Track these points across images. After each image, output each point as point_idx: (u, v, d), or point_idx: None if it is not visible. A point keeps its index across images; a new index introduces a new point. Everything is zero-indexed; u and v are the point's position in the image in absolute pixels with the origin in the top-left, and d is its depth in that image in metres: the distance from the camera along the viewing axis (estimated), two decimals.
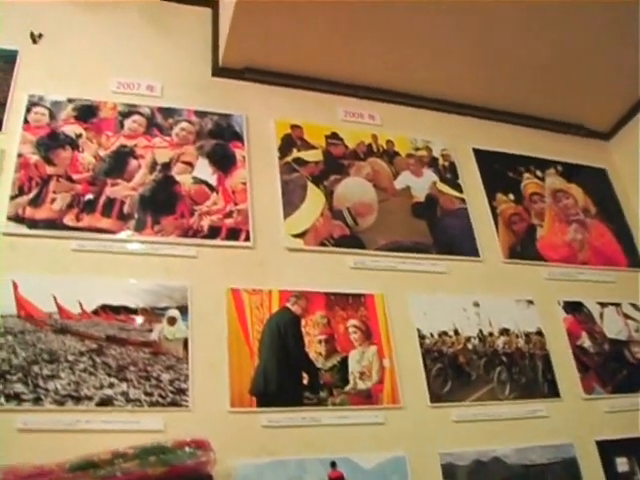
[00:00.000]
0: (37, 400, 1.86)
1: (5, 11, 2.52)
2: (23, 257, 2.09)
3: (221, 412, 2.03)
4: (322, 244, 2.42)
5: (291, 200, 2.46)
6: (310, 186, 2.52)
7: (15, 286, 2.02)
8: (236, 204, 2.37)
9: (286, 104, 2.71)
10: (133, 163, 2.34)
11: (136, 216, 2.24)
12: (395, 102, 2.93)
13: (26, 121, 2.32)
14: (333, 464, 2.04)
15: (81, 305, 2.06)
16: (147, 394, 1.97)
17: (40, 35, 2.52)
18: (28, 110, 2.34)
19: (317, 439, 2.09)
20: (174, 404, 1.98)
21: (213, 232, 2.30)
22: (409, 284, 2.48)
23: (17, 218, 2.13)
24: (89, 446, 1.76)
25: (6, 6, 2.54)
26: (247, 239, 2.32)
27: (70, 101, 2.41)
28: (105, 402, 1.92)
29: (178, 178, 2.37)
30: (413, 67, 2.81)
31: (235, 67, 2.68)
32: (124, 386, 1.97)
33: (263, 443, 2.02)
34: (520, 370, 2.46)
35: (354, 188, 2.61)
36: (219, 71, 2.68)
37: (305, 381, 2.17)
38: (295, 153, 2.59)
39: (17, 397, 1.85)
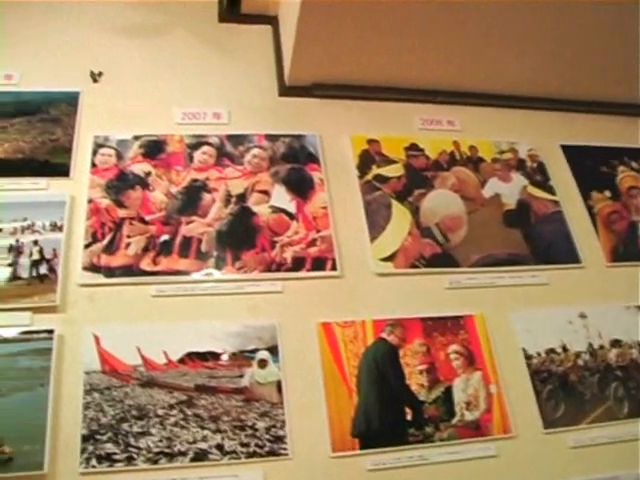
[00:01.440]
0: (130, 460, 1.79)
1: (64, 53, 2.49)
2: (102, 308, 2.01)
3: (323, 458, 1.89)
4: (413, 266, 2.25)
5: (376, 221, 2.30)
6: (394, 204, 2.36)
7: (97, 340, 1.94)
8: (318, 231, 2.22)
9: (360, 118, 2.56)
10: (207, 197, 2.23)
11: (215, 254, 2.13)
12: (474, 104, 2.74)
13: (93, 164, 2.25)
14: None
15: (166, 355, 1.95)
16: (243, 445, 1.86)
17: (100, 73, 2.45)
18: (94, 152, 2.28)
19: (426, 479, 1.92)
20: (273, 453, 1.86)
21: (297, 264, 2.16)
22: (509, 300, 2.29)
23: (93, 267, 2.05)
24: None
25: (64, 48, 2.51)
26: (334, 268, 2.17)
27: (136, 138, 2.32)
28: (200, 457, 1.82)
29: (255, 209, 2.24)
30: (490, 66, 2.61)
31: (303, 84, 2.55)
32: (218, 438, 1.86)
33: None
34: (638, 384, 2.23)
35: (441, 201, 2.44)
36: (286, 90, 2.54)
37: (409, 417, 2.01)
38: (375, 170, 2.43)
39: (109, 458, 1.78)
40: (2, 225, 2.12)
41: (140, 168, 2.26)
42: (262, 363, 1.98)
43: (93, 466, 1.76)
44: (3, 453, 1.76)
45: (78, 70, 2.47)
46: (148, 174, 2.25)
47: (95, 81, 2.45)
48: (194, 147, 2.34)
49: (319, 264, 2.17)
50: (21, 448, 1.76)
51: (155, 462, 1.78)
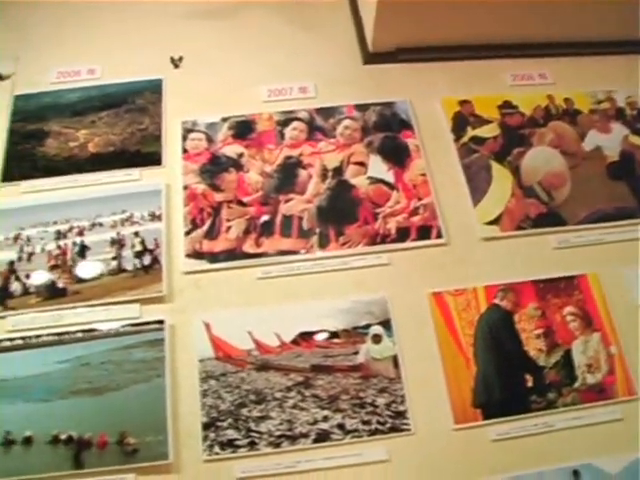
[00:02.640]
0: (252, 445, 1.77)
1: (142, 42, 2.49)
2: (209, 294, 1.99)
3: (446, 431, 1.83)
4: (519, 227, 2.15)
5: (477, 185, 2.21)
6: (494, 165, 2.26)
7: (207, 327, 1.92)
8: (420, 199, 2.15)
9: (448, 80, 2.46)
10: (303, 174, 2.18)
11: (317, 230, 2.08)
12: (565, 54, 2.60)
13: (184, 150, 2.23)
14: (576, 473, 1.78)
15: (279, 336, 1.92)
16: (364, 422, 1.81)
17: (180, 58, 2.43)
18: (184, 138, 2.25)
19: (552, 447, 1.84)
20: (395, 429, 1.80)
21: (402, 234, 2.09)
22: (622, 257, 2.16)
23: (196, 254, 2.04)
24: None
25: (142, 37, 2.51)
26: (439, 236, 2.09)
27: (224, 120, 2.29)
28: (322, 437, 1.78)
29: (353, 181, 2.18)
30: (580, 12, 2.46)
31: (387, 50, 2.46)
32: (339, 417, 1.82)
33: (496, 459, 1.80)
34: None
35: (541, 158, 2.33)
36: (370, 58, 2.47)
37: (529, 383, 1.92)
38: (470, 132, 2.33)
39: (231, 444, 1.77)
40: (102, 219, 2.12)
41: (232, 150, 2.23)
42: (376, 338, 1.93)
43: (216, 453, 1.75)
44: (128, 445, 1.76)
45: (158, 57, 2.46)
46: (241, 155, 2.21)
47: (176, 67, 2.42)
48: (284, 124, 2.29)
49: (424, 233, 2.10)
50: (144, 439, 1.77)
51: (277, 445, 1.76)
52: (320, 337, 1.94)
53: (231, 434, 1.78)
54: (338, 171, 2.20)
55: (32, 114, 2.38)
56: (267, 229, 2.08)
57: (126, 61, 2.47)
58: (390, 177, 2.19)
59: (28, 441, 1.81)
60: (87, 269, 2.06)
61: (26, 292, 2.04)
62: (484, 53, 2.53)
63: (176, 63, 2.42)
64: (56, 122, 2.35)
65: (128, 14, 2.59)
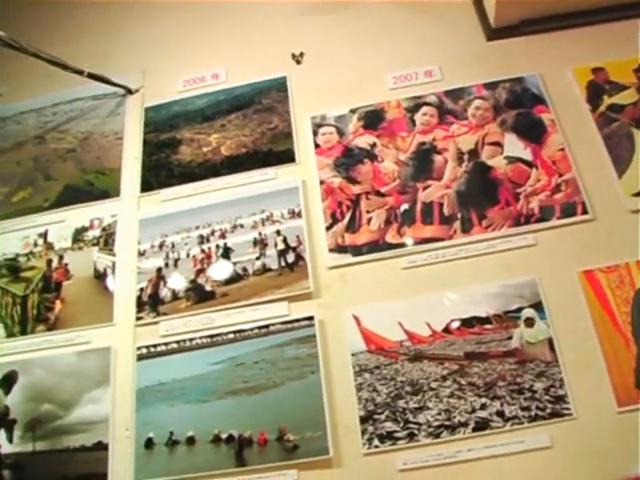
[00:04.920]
0: (411, 436, 1.77)
1: (263, 42, 2.53)
2: (355, 288, 2.01)
3: (609, 414, 1.76)
4: None
5: (619, 155, 2.11)
6: (636, 132, 2.15)
7: (357, 320, 1.93)
8: (561, 175, 2.08)
9: (578, 48, 2.35)
10: (438, 159, 2.15)
11: (459, 215, 2.05)
12: None
13: (316, 145, 2.24)
14: None
15: (430, 326, 1.91)
16: (524, 409, 1.78)
17: (302, 54, 2.45)
18: (315, 133, 2.28)
19: None
20: (556, 415, 1.76)
21: (546, 213, 2.03)
22: None
23: (339, 248, 2.05)
24: (474, 477, 1.70)
25: (262, 38, 2.55)
26: (584, 212, 2.02)
27: (353, 111, 2.29)
28: (481, 426, 1.77)
29: (490, 162, 2.13)
30: None
31: (510, 24, 2.38)
32: (497, 404, 1.79)
33: None
34: None
35: None
36: (494, 33, 2.40)
37: None
38: (607, 100, 2.23)
39: (390, 436, 1.78)
40: (242, 220, 2.16)
41: (364, 141, 2.23)
42: (529, 322, 1.88)
43: (376, 446, 1.77)
44: (288, 441, 1.81)
45: (280, 55, 2.49)
46: (373, 145, 2.20)
47: (298, 62, 2.44)
48: (413, 110, 2.26)
49: (569, 210, 2.03)
50: (304, 435, 1.81)
51: (437, 436, 1.76)
52: (471, 324, 1.90)
53: (389, 426, 1.79)
54: (474, 153, 2.16)
55: (163, 124, 2.45)
56: (408, 218, 2.06)
57: (248, 62, 2.51)
58: (528, 155, 2.13)
59: (191, 441, 1.88)
60: (230, 271, 2.11)
61: (176, 297, 2.12)
62: (614, 14, 2.39)
63: (298, 59, 2.43)
64: (187, 129, 2.42)
65: (245, 16, 2.64)
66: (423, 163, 2.15)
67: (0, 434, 2.04)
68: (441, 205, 2.07)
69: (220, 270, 2.12)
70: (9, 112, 2.77)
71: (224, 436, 1.86)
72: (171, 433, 1.90)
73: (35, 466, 1.98)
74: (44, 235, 2.40)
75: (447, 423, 1.77)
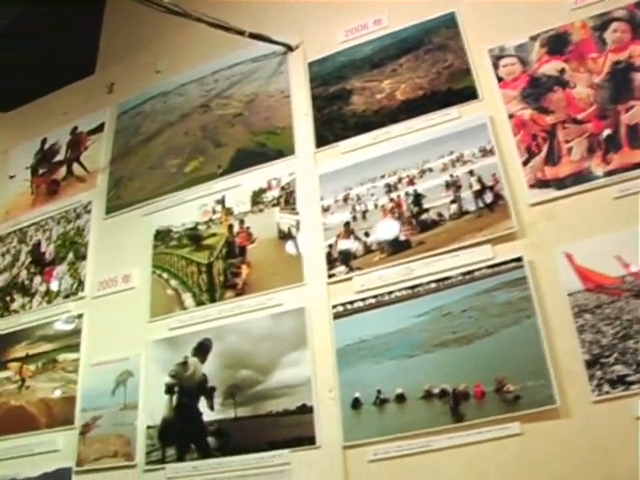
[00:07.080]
0: None
1: None
2: (563, 223, 1.89)
3: None
4: None
5: None
6: None
7: (569, 258, 1.82)
8: None
9: None
10: (638, 77, 1.98)
11: None
12: None
13: (499, 78, 2.14)
14: None
15: None
16: None
17: None
18: (495, 66, 2.17)
19: None
20: None
21: None
22: None
23: (540, 183, 1.95)
24: None
25: None
26: None
27: (533, 39, 2.16)
28: None
29: None
30: None
31: None
32: None
33: None
34: None
35: None
36: None
37: None
38: None
39: (622, 380, 1.65)
40: (430, 164, 2.11)
41: (551, 67, 2.10)
42: None
43: (607, 392, 1.65)
44: (508, 392, 1.74)
45: None
46: (562, 71, 2.07)
47: None
48: (601, 28, 2.10)
49: None
50: (525, 384, 1.73)
51: None
52: None
53: (620, 370, 1.66)
54: None
55: (330, 76, 2.42)
56: (613, 144, 1.92)
57: (409, 4, 2.41)
58: None
59: (401, 398, 1.86)
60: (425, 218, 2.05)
61: (368, 250, 2.08)
62: None
63: None
64: (356, 78, 2.38)
65: None
66: (621, 83, 1.99)
67: (201, 402, 2.09)
68: None
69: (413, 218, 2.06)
70: (171, 86, 2.82)
71: (436, 391, 1.83)
72: (378, 392, 1.88)
73: (238, 432, 2.02)
74: (222, 201, 2.43)
75: None
